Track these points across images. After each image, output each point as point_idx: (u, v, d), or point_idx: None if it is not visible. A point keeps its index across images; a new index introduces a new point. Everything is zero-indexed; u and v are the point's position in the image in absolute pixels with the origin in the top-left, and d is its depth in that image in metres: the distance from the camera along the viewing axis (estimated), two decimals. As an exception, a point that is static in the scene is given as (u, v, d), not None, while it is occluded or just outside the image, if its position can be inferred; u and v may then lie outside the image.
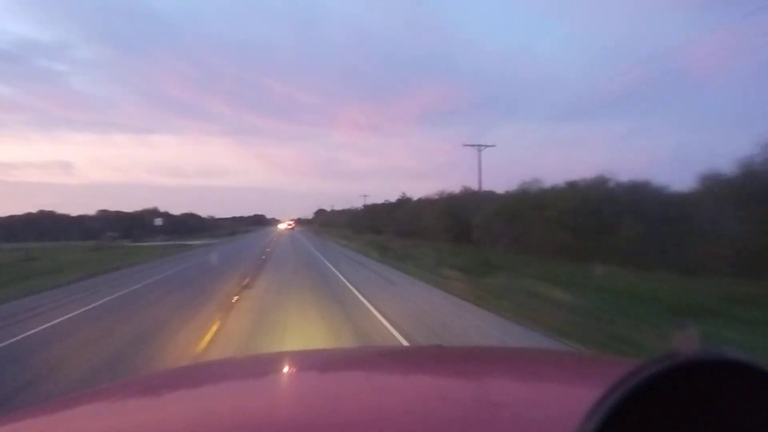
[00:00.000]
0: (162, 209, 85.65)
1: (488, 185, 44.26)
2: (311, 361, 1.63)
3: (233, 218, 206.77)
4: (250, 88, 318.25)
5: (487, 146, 30.43)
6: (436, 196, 37.40)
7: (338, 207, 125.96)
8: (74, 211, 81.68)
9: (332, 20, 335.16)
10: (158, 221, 38.34)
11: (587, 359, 1.93)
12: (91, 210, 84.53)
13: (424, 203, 38.25)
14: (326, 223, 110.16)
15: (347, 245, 31.76)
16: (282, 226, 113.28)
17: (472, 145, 30.49)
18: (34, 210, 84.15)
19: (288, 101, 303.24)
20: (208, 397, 1.18)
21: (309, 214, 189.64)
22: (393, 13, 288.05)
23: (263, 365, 1.59)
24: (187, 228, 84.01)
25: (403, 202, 50.56)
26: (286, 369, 1.48)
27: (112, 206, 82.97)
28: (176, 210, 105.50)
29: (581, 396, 0.87)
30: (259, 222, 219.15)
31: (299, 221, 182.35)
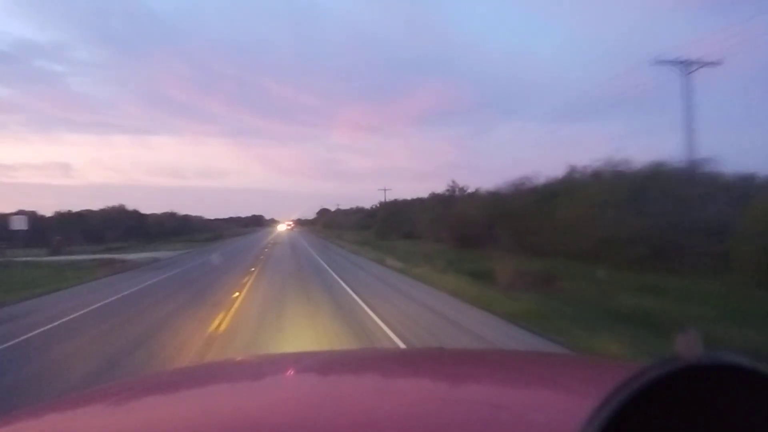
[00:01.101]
0: (140, 208, 70.09)
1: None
2: (312, 363, 1.57)
3: (229, 219, 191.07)
4: (248, 89, 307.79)
5: (706, 64, 14.67)
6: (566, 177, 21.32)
7: (343, 206, 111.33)
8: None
9: (331, 21, 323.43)
10: (18, 222, 22.17)
11: (589, 363, 1.80)
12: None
13: (534, 192, 22.15)
14: (331, 225, 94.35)
15: (407, 270, 15.39)
16: (281, 228, 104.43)
17: (672, 62, 14.74)
18: (14, 210, 68.70)
19: (287, 102, 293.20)
20: (208, 398, 1.16)
21: (310, 214, 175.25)
22: (392, 13, 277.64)
23: (265, 366, 1.55)
24: (165, 230, 68.26)
25: (454, 196, 34.94)
26: (287, 370, 1.43)
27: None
28: (178, 210, 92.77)
29: (583, 399, 0.90)
30: (256, 223, 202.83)
31: (299, 222, 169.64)
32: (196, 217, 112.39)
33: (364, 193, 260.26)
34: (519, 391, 1.16)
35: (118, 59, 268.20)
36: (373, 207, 65.27)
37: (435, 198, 36.59)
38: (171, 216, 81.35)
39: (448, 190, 35.75)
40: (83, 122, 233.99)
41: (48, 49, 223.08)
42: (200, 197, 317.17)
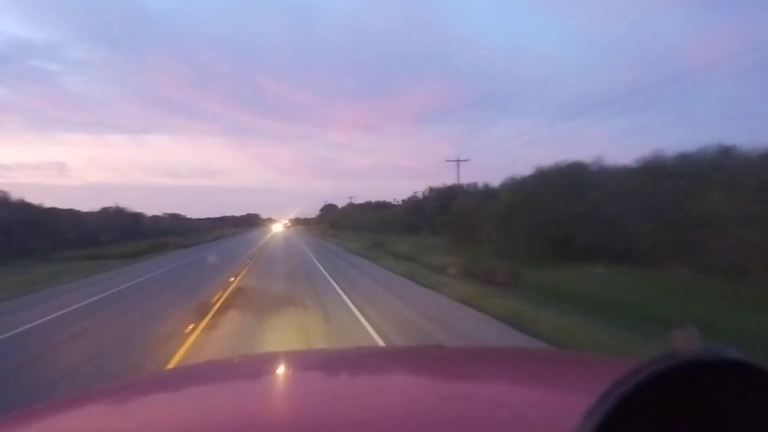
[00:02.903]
0: (137, 208, 45.10)
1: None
2: (311, 362, 1.59)
3: (221, 218, 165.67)
4: (245, 88, 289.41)
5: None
6: None
7: (356, 201, 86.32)
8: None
9: (328, 19, 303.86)
10: None
11: (587, 359, 1.78)
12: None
13: None
14: (342, 224, 68.98)
15: None
16: (277, 228, 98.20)
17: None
18: None
19: (284, 101, 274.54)
20: (207, 398, 1.15)
21: (310, 212, 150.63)
22: (389, 11, 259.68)
23: (263, 365, 1.53)
24: (97, 234, 43.01)
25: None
26: (285, 369, 1.42)
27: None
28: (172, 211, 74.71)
29: (581, 396, 0.88)
30: (249, 222, 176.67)
31: (298, 221, 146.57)
32: (171, 214, 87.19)
33: (366, 191, 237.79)
34: (517, 388, 1.16)
35: (113, 58, 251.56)
36: (425, 193, 40.08)
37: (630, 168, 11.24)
38: (116, 213, 55.76)
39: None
40: (79, 121, 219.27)
41: (43, 48, 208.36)
42: (197, 196, 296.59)
